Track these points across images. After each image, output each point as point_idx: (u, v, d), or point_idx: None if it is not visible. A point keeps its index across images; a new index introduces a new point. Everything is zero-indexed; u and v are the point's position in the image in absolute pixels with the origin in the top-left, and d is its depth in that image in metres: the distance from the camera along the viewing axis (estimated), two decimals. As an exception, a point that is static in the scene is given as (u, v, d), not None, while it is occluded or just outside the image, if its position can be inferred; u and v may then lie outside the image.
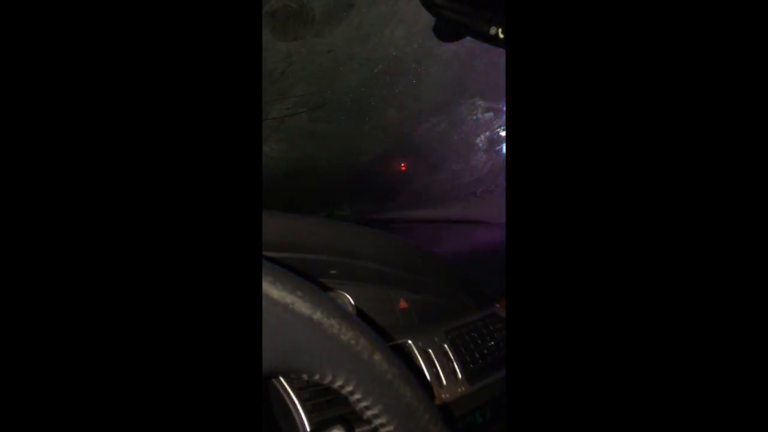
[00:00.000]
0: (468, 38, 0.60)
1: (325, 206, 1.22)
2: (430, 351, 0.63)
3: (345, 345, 0.28)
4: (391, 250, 0.70)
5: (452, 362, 0.64)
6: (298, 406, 0.48)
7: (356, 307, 0.61)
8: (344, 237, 0.65)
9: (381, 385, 0.29)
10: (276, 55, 0.87)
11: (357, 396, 0.29)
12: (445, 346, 0.65)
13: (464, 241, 1.08)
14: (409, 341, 0.63)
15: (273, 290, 0.26)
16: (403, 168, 1.30)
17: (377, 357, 0.29)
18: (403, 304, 0.70)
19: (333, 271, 0.63)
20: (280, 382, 0.48)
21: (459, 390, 0.63)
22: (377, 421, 0.30)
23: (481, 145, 1.25)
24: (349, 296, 0.61)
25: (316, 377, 0.29)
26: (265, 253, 0.32)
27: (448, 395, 0.62)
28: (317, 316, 0.28)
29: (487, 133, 1.23)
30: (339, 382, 0.29)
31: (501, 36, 0.51)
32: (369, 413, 0.30)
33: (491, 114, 1.18)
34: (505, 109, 1.12)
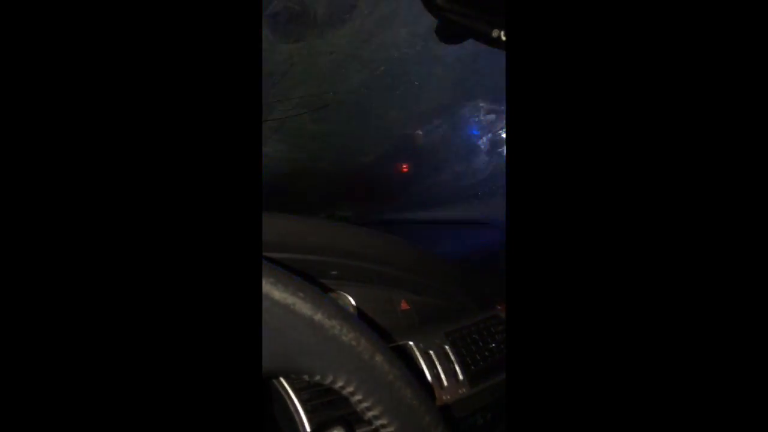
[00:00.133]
0: (470, 40, 0.60)
1: (327, 207, 1.22)
2: (431, 352, 0.63)
3: (346, 346, 0.28)
4: (393, 251, 0.70)
5: (453, 364, 0.64)
6: (299, 407, 0.48)
7: (357, 308, 0.61)
8: (345, 238, 0.65)
9: (382, 386, 0.29)
10: (278, 57, 0.87)
11: (358, 397, 0.29)
12: (446, 347, 0.65)
13: (465, 243, 1.08)
14: (410, 343, 0.63)
15: (275, 291, 0.26)
16: (405, 169, 1.30)
17: (378, 358, 0.29)
18: (404, 305, 0.70)
19: (334, 272, 0.63)
20: (281, 382, 0.48)
21: (460, 392, 0.63)
22: (378, 422, 0.30)
23: (483, 146, 1.26)
24: (350, 297, 0.61)
25: (317, 378, 0.29)
26: (266, 253, 0.32)
27: (448, 397, 0.62)
28: (318, 317, 0.28)
29: (489, 135, 1.23)
30: (340, 383, 0.29)
31: (503, 39, 0.52)
32: (370, 414, 0.30)
33: (493, 116, 1.18)
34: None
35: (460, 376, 0.64)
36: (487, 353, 0.70)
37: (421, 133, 1.20)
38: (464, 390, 0.64)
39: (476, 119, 1.19)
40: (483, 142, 1.24)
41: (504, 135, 1.22)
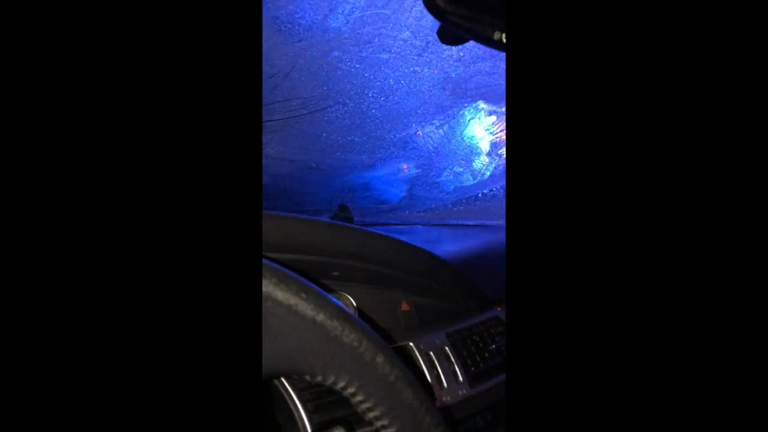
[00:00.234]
0: (471, 41, 0.60)
1: (328, 208, 1.22)
2: (432, 354, 0.63)
3: (348, 347, 0.28)
4: (394, 252, 0.70)
5: (454, 365, 0.64)
6: (300, 408, 0.48)
7: (358, 309, 0.61)
8: (347, 239, 0.65)
9: (383, 387, 0.29)
10: (280, 58, 0.87)
11: (359, 398, 0.29)
12: (447, 348, 0.65)
13: (466, 244, 1.08)
14: (411, 344, 0.63)
15: (277, 292, 0.27)
16: (405, 170, 1.30)
17: (380, 359, 0.29)
18: (405, 306, 0.70)
19: (335, 273, 0.63)
20: (282, 383, 0.48)
21: (460, 393, 0.63)
22: (379, 423, 0.30)
23: (483, 148, 1.26)
24: (351, 298, 0.61)
25: (319, 379, 0.29)
26: (268, 254, 0.32)
27: (449, 398, 0.62)
28: (320, 318, 0.28)
29: (490, 136, 1.23)
30: (341, 384, 0.29)
31: (505, 41, 0.52)
32: (371, 415, 0.30)
33: (494, 117, 1.18)
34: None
35: (461, 378, 0.64)
36: (487, 354, 0.70)
37: (421, 134, 1.20)
38: (465, 391, 0.64)
39: (477, 120, 1.19)
40: (484, 143, 1.24)
41: (504, 136, 1.22)
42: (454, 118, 1.17)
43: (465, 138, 1.23)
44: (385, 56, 0.95)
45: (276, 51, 0.86)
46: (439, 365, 0.63)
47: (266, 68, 0.88)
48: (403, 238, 0.73)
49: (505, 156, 1.26)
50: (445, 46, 0.95)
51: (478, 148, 1.26)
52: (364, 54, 0.94)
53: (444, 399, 0.61)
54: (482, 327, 0.74)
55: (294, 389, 0.48)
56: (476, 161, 1.29)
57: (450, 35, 0.65)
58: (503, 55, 0.53)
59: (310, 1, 0.81)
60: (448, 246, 1.03)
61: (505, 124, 1.19)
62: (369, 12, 0.86)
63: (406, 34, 0.92)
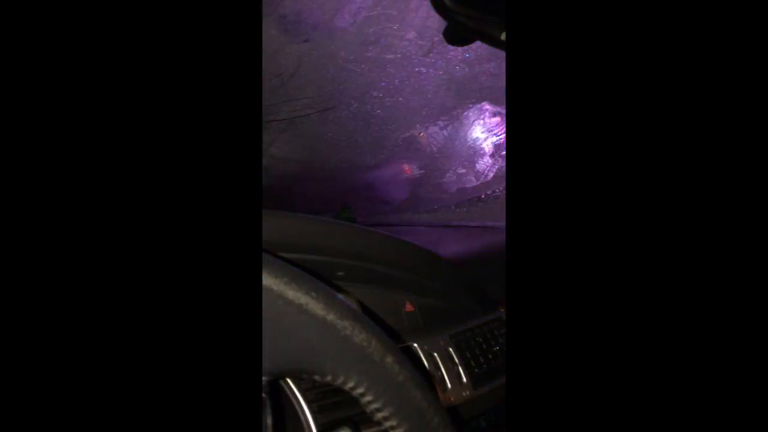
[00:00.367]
0: (477, 42, 0.60)
1: (333, 208, 1.22)
2: (436, 355, 0.63)
3: (357, 347, 0.28)
4: (398, 252, 0.70)
5: (457, 366, 0.64)
6: (305, 407, 0.48)
7: (363, 309, 0.61)
8: (351, 239, 0.65)
9: (392, 387, 0.29)
10: (286, 57, 0.87)
11: (368, 398, 0.29)
12: (451, 350, 0.65)
13: (469, 245, 1.08)
14: (415, 344, 0.63)
15: (288, 291, 0.27)
16: (409, 171, 1.30)
17: (389, 359, 0.29)
18: (408, 307, 0.70)
19: (340, 273, 0.63)
20: (287, 382, 0.48)
21: (464, 394, 0.63)
22: (388, 423, 0.30)
23: (487, 149, 1.26)
24: (356, 298, 0.61)
25: (328, 378, 0.29)
26: (274, 253, 0.32)
27: (452, 399, 0.62)
28: (331, 317, 0.28)
29: (494, 138, 1.23)
30: (350, 384, 0.29)
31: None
32: (380, 415, 0.30)
33: (498, 119, 1.18)
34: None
35: (464, 379, 0.64)
36: (491, 356, 0.70)
37: (425, 134, 1.20)
38: (468, 392, 0.64)
39: (481, 121, 1.19)
40: (487, 144, 1.24)
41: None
42: (458, 119, 1.17)
43: (469, 139, 1.23)
44: (390, 56, 0.95)
45: (282, 50, 0.86)
46: (443, 366, 0.63)
47: (272, 68, 0.88)
48: (406, 239, 0.73)
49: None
50: (450, 47, 0.95)
51: (481, 149, 1.26)
52: (369, 54, 0.94)
53: (448, 400, 0.61)
54: (486, 328, 0.74)
55: (298, 389, 0.48)
56: (479, 162, 1.29)
57: (456, 36, 0.65)
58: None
59: (317, 0, 0.81)
60: (451, 247, 1.03)
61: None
62: (375, 12, 0.86)
63: (412, 34, 0.92)
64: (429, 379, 0.61)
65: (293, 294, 0.27)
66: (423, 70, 1.01)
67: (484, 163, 1.29)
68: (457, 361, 0.65)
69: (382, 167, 1.22)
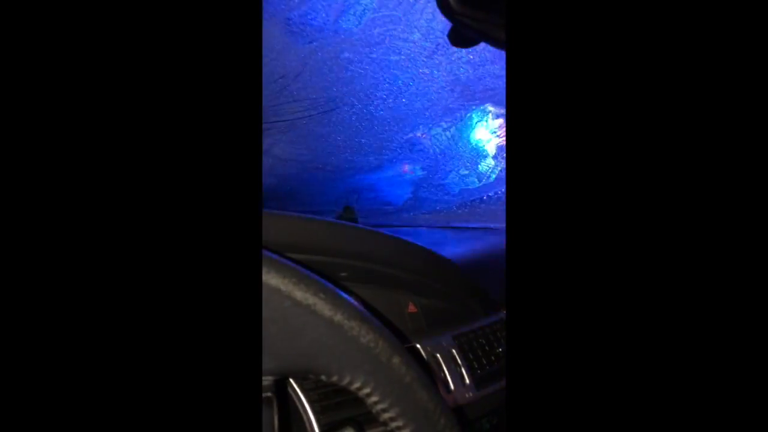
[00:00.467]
0: (481, 44, 0.60)
1: (335, 208, 1.22)
2: (438, 356, 0.63)
3: (365, 347, 0.28)
4: (401, 253, 0.70)
5: (460, 368, 0.64)
6: (308, 408, 0.48)
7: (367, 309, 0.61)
8: (354, 239, 0.65)
9: (399, 388, 0.29)
10: (291, 58, 0.87)
11: (374, 398, 0.29)
12: (453, 351, 0.65)
13: (471, 247, 1.08)
14: (418, 346, 0.63)
15: (296, 291, 0.27)
16: (412, 172, 1.31)
17: (396, 360, 0.29)
18: (412, 308, 0.70)
19: (343, 274, 0.63)
20: (290, 383, 0.48)
21: (467, 396, 0.63)
22: (394, 424, 0.30)
23: (490, 151, 1.26)
24: (359, 299, 0.61)
25: (335, 378, 0.29)
26: (276, 253, 0.32)
27: (456, 401, 0.62)
28: (338, 318, 0.28)
29: (497, 139, 1.23)
30: (357, 384, 0.29)
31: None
32: (386, 416, 0.30)
33: (501, 120, 1.18)
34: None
35: (467, 380, 0.64)
36: (493, 357, 0.70)
37: (425, 136, 1.20)
38: (471, 394, 0.64)
39: (484, 123, 1.19)
40: (490, 146, 1.24)
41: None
42: (461, 120, 1.17)
43: (471, 140, 1.23)
44: (394, 58, 0.95)
45: (287, 52, 0.86)
46: (446, 368, 0.63)
47: (277, 69, 0.89)
48: (410, 239, 0.73)
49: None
50: (454, 49, 0.95)
51: (484, 150, 1.26)
52: (374, 55, 0.94)
53: (451, 402, 0.61)
54: (488, 330, 0.74)
55: (301, 389, 0.49)
56: (482, 164, 1.29)
57: (460, 37, 0.65)
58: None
59: (323, 2, 0.81)
60: (453, 248, 1.03)
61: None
62: (380, 13, 0.87)
63: (417, 35, 0.92)
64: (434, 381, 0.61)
65: (301, 294, 0.27)
66: (427, 71, 1.01)
67: (487, 165, 1.29)
68: (460, 362, 0.65)
69: (385, 168, 1.22)
